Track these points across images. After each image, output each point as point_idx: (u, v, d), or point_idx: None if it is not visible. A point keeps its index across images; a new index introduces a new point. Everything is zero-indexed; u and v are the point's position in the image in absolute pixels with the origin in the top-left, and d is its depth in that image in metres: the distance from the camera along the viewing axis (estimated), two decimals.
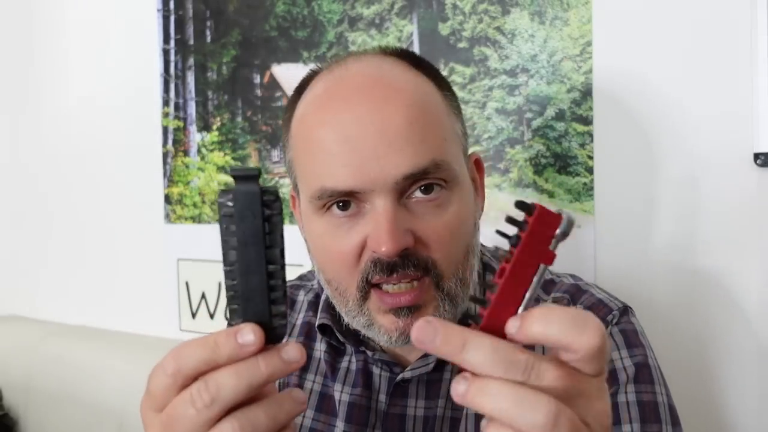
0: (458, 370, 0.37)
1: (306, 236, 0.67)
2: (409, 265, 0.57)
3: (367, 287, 0.59)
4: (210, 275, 1.45)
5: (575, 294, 0.70)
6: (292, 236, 0.73)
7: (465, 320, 0.38)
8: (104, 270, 1.67)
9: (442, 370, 0.67)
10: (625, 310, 0.69)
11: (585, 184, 1.00)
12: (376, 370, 0.69)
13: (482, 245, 0.74)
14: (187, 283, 1.49)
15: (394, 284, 0.58)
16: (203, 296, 1.47)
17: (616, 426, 0.61)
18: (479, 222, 0.68)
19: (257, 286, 0.39)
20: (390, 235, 0.55)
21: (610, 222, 0.98)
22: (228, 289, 0.39)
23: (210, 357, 0.38)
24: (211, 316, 1.45)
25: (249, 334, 0.38)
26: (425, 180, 0.58)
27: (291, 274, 1.24)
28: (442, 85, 0.66)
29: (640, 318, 0.72)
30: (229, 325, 0.40)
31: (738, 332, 0.90)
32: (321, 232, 0.62)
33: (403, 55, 0.66)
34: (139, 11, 1.54)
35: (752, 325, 0.89)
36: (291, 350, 0.39)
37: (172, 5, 1.49)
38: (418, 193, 0.59)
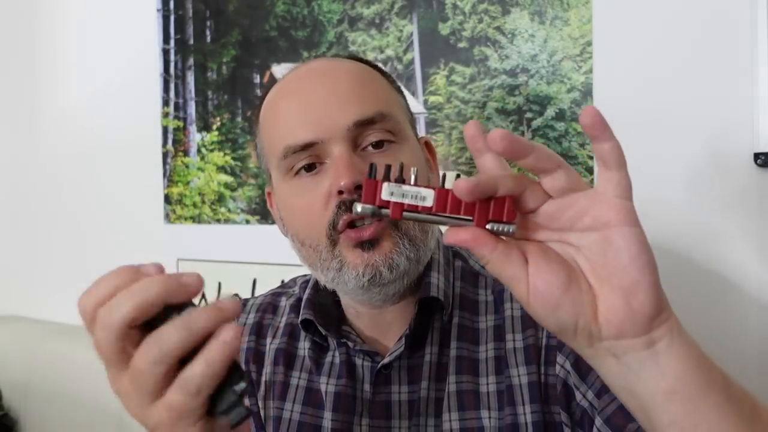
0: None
1: (280, 210, 0.72)
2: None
3: (335, 234, 0.64)
4: (210, 275, 1.45)
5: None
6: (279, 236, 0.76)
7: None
8: (104, 270, 1.65)
9: (421, 354, 0.69)
10: None
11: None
12: (358, 361, 0.71)
13: None
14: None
15: (359, 223, 0.64)
16: (203, 296, 1.47)
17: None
18: None
19: None
20: (347, 170, 0.62)
21: None
22: None
23: (115, 282, 0.49)
24: None
25: (150, 267, 0.47)
26: (374, 130, 0.65)
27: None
28: (386, 75, 0.74)
29: None
30: None
31: (738, 332, 0.89)
32: (291, 194, 0.68)
33: (350, 57, 0.75)
34: (139, 11, 1.54)
35: (752, 323, 0.89)
36: (189, 276, 0.46)
37: (172, 5, 1.49)
38: (370, 149, 0.65)
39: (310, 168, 0.66)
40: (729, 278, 0.91)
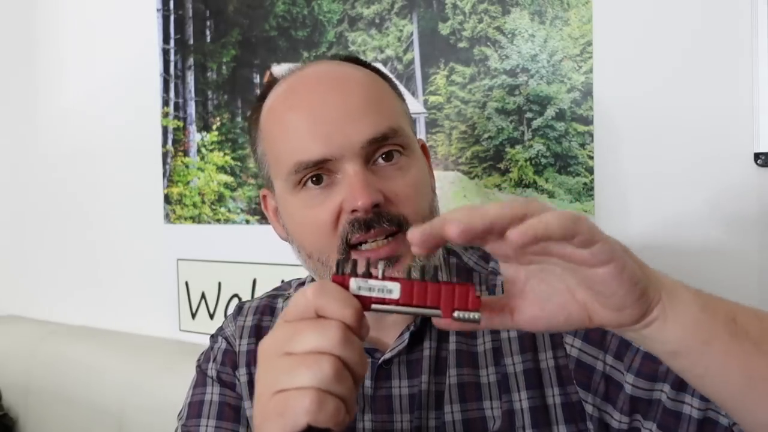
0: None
1: (284, 221, 0.72)
2: (383, 221, 0.63)
3: (347, 249, 0.64)
4: (210, 275, 1.45)
5: None
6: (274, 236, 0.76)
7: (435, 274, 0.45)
8: (104, 270, 1.67)
9: (420, 349, 0.70)
10: None
11: (585, 184, 1.00)
12: None
13: None
14: (186, 283, 1.49)
15: (372, 241, 0.64)
16: (203, 296, 1.47)
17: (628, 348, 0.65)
18: (437, 204, 0.74)
19: None
20: (364, 190, 0.62)
21: (610, 222, 0.98)
22: None
23: (343, 313, 0.44)
24: (211, 316, 1.45)
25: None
26: (386, 145, 0.65)
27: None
28: (385, 77, 0.74)
29: None
30: None
31: None
32: (298, 206, 0.67)
33: (349, 59, 0.75)
34: (139, 11, 1.54)
35: None
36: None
37: (172, 5, 1.49)
38: (381, 161, 0.65)
39: (317, 179, 0.65)
40: (729, 278, 0.90)
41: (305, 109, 0.66)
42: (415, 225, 0.62)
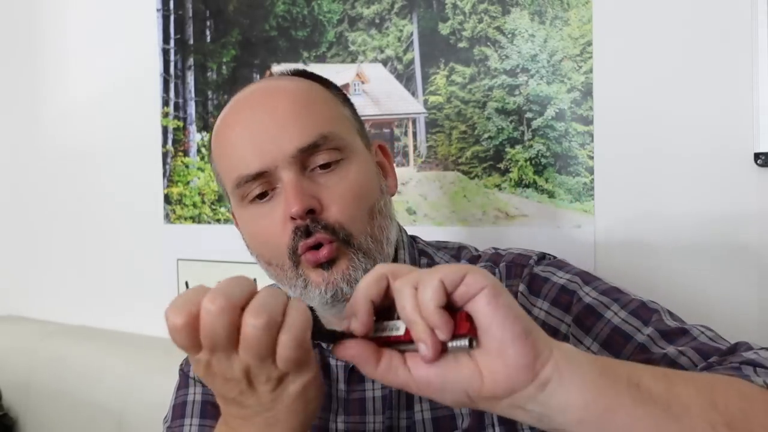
0: None
1: (242, 233, 0.75)
2: (318, 227, 0.66)
3: (296, 255, 0.67)
4: (210, 275, 1.45)
5: (496, 259, 0.76)
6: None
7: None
8: (104, 270, 1.67)
9: None
10: (543, 255, 0.77)
11: (585, 184, 1.00)
12: (332, 362, 0.73)
13: (419, 239, 0.83)
14: (186, 283, 1.49)
15: (315, 247, 0.67)
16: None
17: (599, 318, 0.67)
18: (390, 197, 0.76)
19: None
20: (296, 197, 0.65)
21: (610, 222, 0.98)
22: None
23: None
24: None
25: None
26: (320, 152, 0.67)
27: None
28: (330, 85, 0.76)
29: None
30: None
31: (738, 332, 0.89)
32: (248, 220, 0.71)
33: (296, 72, 0.77)
34: (139, 11, 1.54)
35: (752, 324, 0.89)
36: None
37: (172, 5, 1.49)
38: (318, 170, 0.68)
39: (262, 195, 0.68)
40: (729, 278, 0.90)
41: (240, 125, 0.70)
42: (352, 231, 0.67)
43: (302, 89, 0.71)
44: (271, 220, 0.68)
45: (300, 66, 1.28)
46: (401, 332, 0.45)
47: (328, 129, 0.68)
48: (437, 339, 0.42)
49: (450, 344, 0.43)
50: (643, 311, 0.66)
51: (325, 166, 0.68)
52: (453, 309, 0.43)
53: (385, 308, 0.47)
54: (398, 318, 0.46)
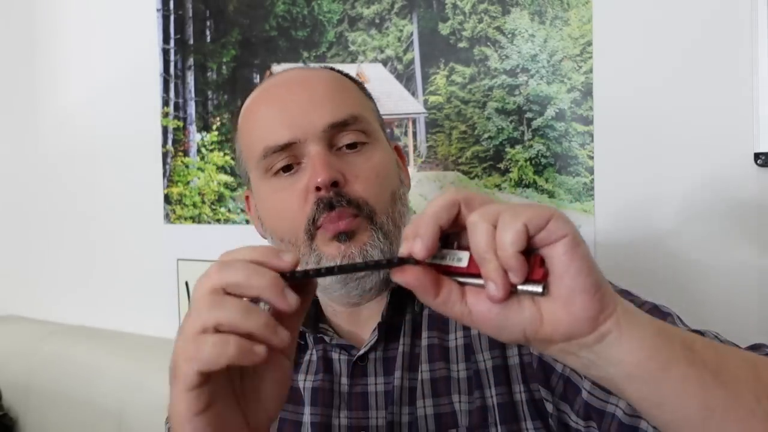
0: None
1: (259, 210, 0.76)
2: (342, 201, 0.67)
3: (313, 228, 0.67)
4: None
5: None
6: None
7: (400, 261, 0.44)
8: (104, 270, 1.67)
9: (395, 345, 0.71)
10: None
11: (585, 184, 1.00)
12: (335, 356, 0.73)
13: None
14: (186, 283, 1.49)
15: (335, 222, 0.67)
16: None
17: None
18: (407, 190, 0.77)
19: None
20: (323, 167, 0.66)
21: (610, 222, 0.98)
22: None
23: (250, 253, 0.45)
24: None
25: (288, 255, 0.45)
26: (348, 131, 0.69)
27: None
28: (358, 83, 0.79)
29: None
30: None
31: (738, 331, 0.89)
32: (269, 192, 0.71)
33: (324, 67, 0.80)
34: (139, 11, 1.54)
35: (753, 324, 0.89)
36: (292, 294, 0.44)
37: (172, 5, 1.49)
38: (344, 149, 0.70)
39: (287, 169, 0.70)
40: (729, 278, 0.91)
41: (274, 102, 0.72)
42: (376, 208, 0.67)
43: (335, 77, 0.75)
44: (293, 191, 0.69)
45: (300, 66, 1.28)
46: (463, 264, 0.43)
47: (358, 112, 0.71)
48: (509, 281, 0.41)
49: (520, 287, 0.41)
50: (657, 314, 0.65)
51: (351, 146, 0.69)
52: (527, 251, 0.41)
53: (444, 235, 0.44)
54: (459, 248, 0.43)
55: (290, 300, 0.44)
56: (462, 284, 0.43)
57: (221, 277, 0.44)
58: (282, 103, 0.71)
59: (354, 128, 0.70)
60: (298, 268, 0.46)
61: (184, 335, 0.44)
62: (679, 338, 0.44)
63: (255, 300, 0.45)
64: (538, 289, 0.41)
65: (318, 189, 0.66)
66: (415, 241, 0.42)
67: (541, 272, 0.41)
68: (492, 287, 0.41)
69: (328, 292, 0.72)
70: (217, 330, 0.43)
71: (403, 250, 0.43)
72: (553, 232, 0.40)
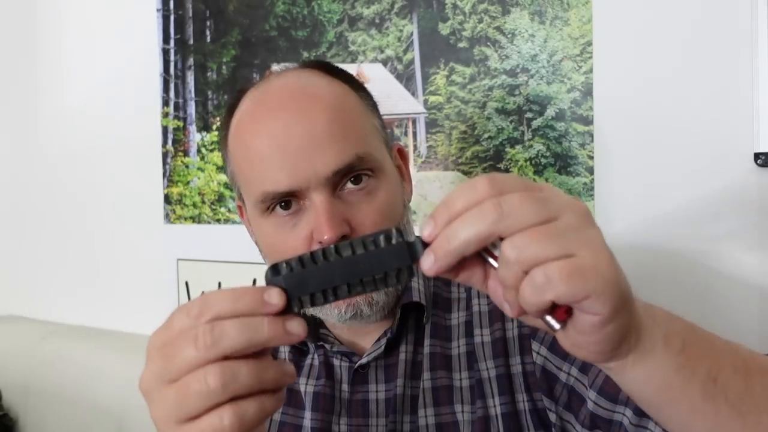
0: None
1: (257, 239, 0.73)
2: None
3: None
4: (210, 275, 1.45)
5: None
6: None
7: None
8: (104, 270, 1.67)
9: (396, 353, 0.70)
10: None
11: (585, 184, 1.00)
12: (336, 362, 0.72)
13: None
14: (186, 283, 1.49)
15: None
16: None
17: None
18: (409, 204, 0.75)
19: (318, 275, 0.42)
20: (329, 224, 0.62)
21: (610, 222, 0.98)
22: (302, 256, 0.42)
23: (232, 307, 0.40)
24: None
25: (275, 297, 0.41)
26: (353, 173, 0.65)
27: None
28: (356, 86, 0.73)
29: None
30: (266, 276, 0.43)
31: (739, 332, 0.89)
32: (269, 231, 0.68)
33: (319, 65, 0.74)
34: (139, 11, 1.54)
35: (753, 324, 0.89)
36: (294, 323, 0.41)
37: (172, 5, 1.49)
38: (349, 185, 0.66)
39: (286, 204, 0.66)
40: (729, 278, 0.90)
41: (269, 137, 0.66)
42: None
43: (337, 97, 0.68)
44: (295, 236, 0.66)
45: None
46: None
47: (363, 149, 0.66)
48: (524, 309, 0.39)
49: (549, 319, 0.39)
50: None
51: (356, 182, 0.66)
52: None
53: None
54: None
55: (296, 331, 0.41)
56: (485, 260, 0.41)
57: (219, 350, 0.40)
58: (279, 140, 0.65)
59: (359, 168, 0.66)
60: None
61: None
62: (704, 369, 0.42)
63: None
64: (556, 326, 0.39)
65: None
66: (429, 257, 0.40)
67: (564, 316, 0.39)
68: (507, 307, 0.40)
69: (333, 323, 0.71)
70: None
71: (422, 262, 0.40)
72: (586, 308, 0.37)
